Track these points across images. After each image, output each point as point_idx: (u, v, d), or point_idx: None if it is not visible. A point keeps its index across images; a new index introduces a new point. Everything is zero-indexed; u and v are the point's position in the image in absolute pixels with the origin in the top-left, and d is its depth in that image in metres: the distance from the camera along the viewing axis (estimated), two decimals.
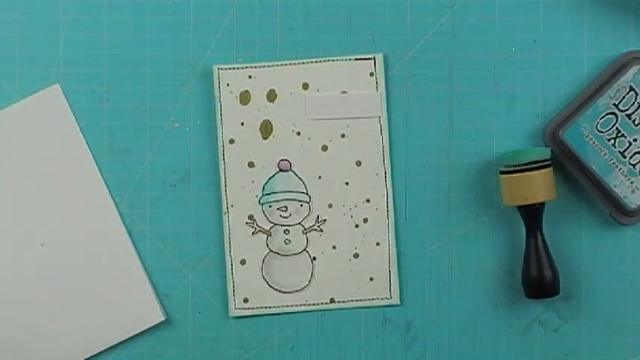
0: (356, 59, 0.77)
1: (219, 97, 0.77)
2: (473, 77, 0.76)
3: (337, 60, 0.77)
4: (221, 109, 0.77)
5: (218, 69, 0.77)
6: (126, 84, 0.77)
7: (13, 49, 0.77)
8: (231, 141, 0.77)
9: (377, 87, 0.76)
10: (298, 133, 0.77)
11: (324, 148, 0.77)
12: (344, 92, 0.77)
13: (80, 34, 0.77)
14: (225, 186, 0.77)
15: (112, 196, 0.77)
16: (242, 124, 0.77)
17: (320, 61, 0.77)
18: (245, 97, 0.77)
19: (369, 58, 0.77)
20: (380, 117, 0.77)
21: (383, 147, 0.77)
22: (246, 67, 0.77)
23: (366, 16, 0.76)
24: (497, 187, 0.75)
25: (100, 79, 0.77)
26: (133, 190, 0.77)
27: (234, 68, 0.77)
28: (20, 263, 0.77)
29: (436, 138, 0.76)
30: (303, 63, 0.77)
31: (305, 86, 0.77)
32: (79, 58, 0.77)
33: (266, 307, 0.77)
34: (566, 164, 0.74)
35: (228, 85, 0.77)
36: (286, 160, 0.77)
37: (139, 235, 0.77)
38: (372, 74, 0.77)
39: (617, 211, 0.74)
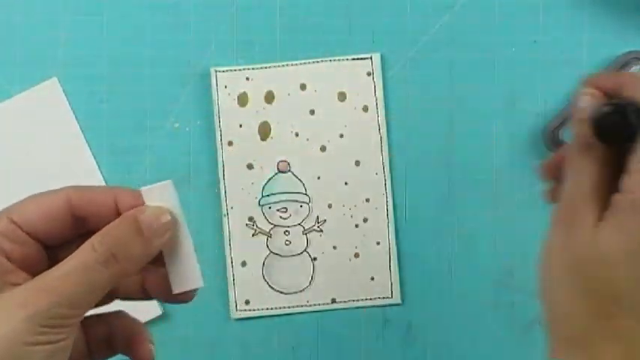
0: (353, 59, 0.77)
1: (218, 99, 0.77)
2: (473, 77, 0.76)
3: (334, 60, 0.77)
4: (219, 112, 0.77)
5: (215, 71, 0.77)
6: (126, 84, 0.77)
7: (13, 49, 0.77)
8: (230, 143, 0.77)
9: (375, 86, 0.77)
10: (297, 134, 0.77)
11: (323, 148, 0.77)
12: (342, 92, 0.77)
13: (80, 34, 0.77)
14: (225, 188, 0.77)
15: None
16: (240, 125, 0.77)
17: (317, 62, 0.77)
18: (243, 99, 0.77)
19: (367, 58, 0.77)
20: (378, 116, 0.77)
21: (382, 147, 0.77)
22: (244, 69, 0.77)
23: (366, 17, 0.77)
24: (497, 187, 0.75)
25: (100, 79, 0.77)
26: None
27: (231, 70, 0.77)
28: None
29: (436, 138, 0.76)
30: (301, 64, 0.77)
31: (303, 87, 0.77)
32: (79, 58, 0.77)
33: (267, 309, 0.77)
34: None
35: (225, 87, 0.77)
36: (285, 161, 0.77)
37: None
38: (369, 74, 0.77)
39: None
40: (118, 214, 0.50)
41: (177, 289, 0.51)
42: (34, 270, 0.48)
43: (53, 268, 0.47)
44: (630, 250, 0.47)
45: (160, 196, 0.51)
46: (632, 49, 0.75)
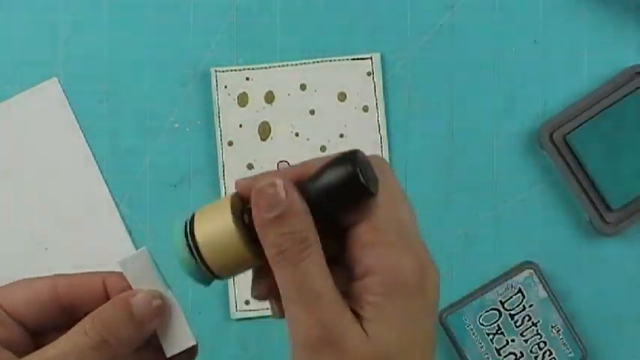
0: (353, 59, 0.77)
1: (218, 99, 0.77)
2: (473, 77, 0.76)
3: (334, 60, 0.77)
4: (219, 112, 0.77)
5: (215, 71, 0.77)
6: (126, 84, 0.77)
7: (13, 49, 0.77)
8: (230, 143, 0.77)
9: (375, 86, 0.77)
10: (297, 134, 0.77)
11: (323, 148, 0.77)
12: (342, 92, 0.77)
13: (80, 34, 0.77)
14: (225, 188, 0.77)
15: (112, 196, 0.77)
16: (240, 125, 0.77)
17: (317, 62, 0.77)
18: (243, 99, 0.77)
19: (367, 58, 0.77)
20: (378, 116, 0.77)
21: (382, 147, 0.76)
22: (244, 69, 0.77)
23: (366, 17, 0.77)
24: (497, 187, 0.75)
25: (100, 79, 0.77)
26: (133, 190, 0.77)
27: (231, 70, 0.77)
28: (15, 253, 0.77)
29: (436, 138, 0.76)
30: (300, 64, 0.77)
31: (303, 87, 0.77)
32: (79, 58, 0.77)
33: (267, 309, 0.77)
34: (557, 164, 0.74)
35: (226, 87, 0.77)
36: (285, 161, 0.77)
37: (139, 235, 0.77)
38: (369, 74, 0.77)
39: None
40: (107, 298, 0.48)
41: (170, 352, 0.49)
42: (17, 350, 0.47)
43: (45, 348, 0.46)
44: (404, 342, 0.42)
45: (138, 266, 0.50)
46: (635, 64, 0.75)
